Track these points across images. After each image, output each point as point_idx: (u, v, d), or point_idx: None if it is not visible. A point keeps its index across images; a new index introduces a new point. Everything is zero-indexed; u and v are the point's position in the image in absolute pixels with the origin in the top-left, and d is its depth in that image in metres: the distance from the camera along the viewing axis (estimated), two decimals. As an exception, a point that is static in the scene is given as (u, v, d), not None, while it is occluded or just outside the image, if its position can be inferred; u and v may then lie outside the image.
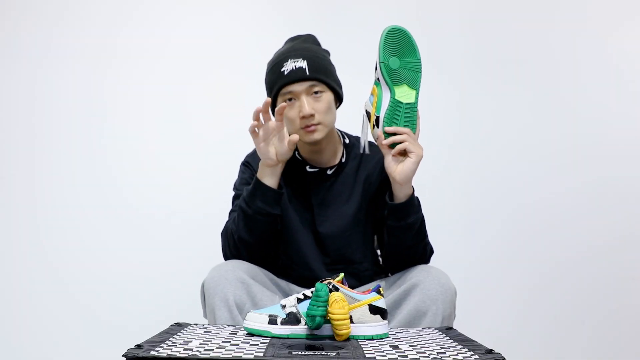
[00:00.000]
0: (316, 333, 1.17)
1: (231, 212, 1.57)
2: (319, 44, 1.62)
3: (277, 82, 1.50)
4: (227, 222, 1.54)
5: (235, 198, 1.59)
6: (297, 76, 1.47)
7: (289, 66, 1.48)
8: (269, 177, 1.47)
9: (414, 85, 1.40)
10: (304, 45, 1.55)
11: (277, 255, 1.59)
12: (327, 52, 1.60)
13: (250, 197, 1.46)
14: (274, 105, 1.54)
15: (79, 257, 2.32)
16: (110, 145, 2.37)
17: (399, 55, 1.40)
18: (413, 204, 1.45)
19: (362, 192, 1.58)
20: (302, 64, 1.48)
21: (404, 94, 1.40)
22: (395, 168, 1.41)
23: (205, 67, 2.39)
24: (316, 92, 1.49)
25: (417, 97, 1.41)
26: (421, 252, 1.50)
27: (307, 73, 1.48)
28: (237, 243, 1.48)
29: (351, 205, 1.57)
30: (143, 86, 2.38)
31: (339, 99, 1.58)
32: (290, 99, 1.49)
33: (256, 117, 1.41)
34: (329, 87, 1.52)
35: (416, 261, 1.49)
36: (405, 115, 1.40)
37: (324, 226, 1.56)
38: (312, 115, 1.48)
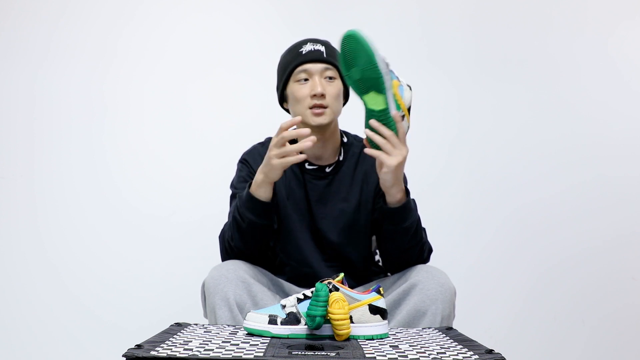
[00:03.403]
0: (316, 333, 1.17)
1: (230, 212, 1.57)
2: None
3: (293, 61, 1.54)
4: (225, 224, 1.54)
5: (232, 197, 1.59)
6: (315, 56, 1.52)
7: (307, 48, 1.54)
8: (266, 191, 1.45)
9: (381, 89, 1.34)
10: (322, 39, 1.61)
11: (274, 253, 1.59)
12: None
13: (243, 209, 1.45)
14: (284, 89, 1.57)
15: (79, 257, 2.32)
16: (110, 145, 2.37)
17: (356, 64, 1.35)
18: (408, 208, 1.44)
19: (360, 190, 1.58)
20: (321, 48, 1.55)
21: (374, 101, 1.36)
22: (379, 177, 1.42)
23: (205, 67, 2.39)
24: (330, 77, 1.53)
25: (386, 102, 1.35)
26: (418, 253, 1.49)
27: (324, 56, 1.53)
28: (234, 250, 1.48)
29: (349, 204, 1.58)
30: (143, 86, 2.38)
31: (346, 95, 1.60)
32: (304, 80, 1.52)
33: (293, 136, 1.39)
34: (341, 77, 1.55)
35: (414, 261, 1.49)
36: (380, 122, 1.37)
37: (323, 224, 1.57)
38: (323, 95, 1.50)
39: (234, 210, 1.48)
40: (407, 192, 1.46)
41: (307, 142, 1.35)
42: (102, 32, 2.38)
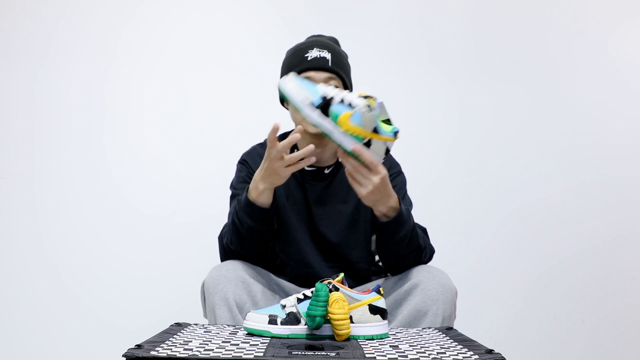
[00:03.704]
0: (316, 333, 1.17)
1: (230, 214, 1.57)
2: (340, 46, 1.65)
3: (298, 66, 1.53)
4: (225, 225, 1.54)
5: (232, 198, 1.59)
6: (320, 65, 1.51)
7: (313, 54, 1.52)
8: (268, 197, 1.43)
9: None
10: (329, 42, 1.59)
11: (274, 254, 1.60)
12: (347, 55, 1.63)
13: (242, 214, 1.44)
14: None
15: (79, 257, 2.32)
16: (110, 145, 2.37)
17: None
18: (399, 221, 1.42)
19: None
20: (327, 55, 1.53)
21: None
22: None
23: (205, 67, 2.39)
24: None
25: (327, 137, 1.31)
26: (416, 257, 1.48)
27: (330, 64, 1.52)
28: (233, 252, 1.48)
29: (348, 205, 1.58)
30: (143, 86, 2.38)
31: None
32: None
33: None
34: (344, 85, 1.56)
35: (413, 264, 1.48)
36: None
37: (322, 225, 1.57)
38: None
39: (233, 215, 1.47)
40: (399, 202, 1.43)
41: (309, 148, 1.34)
42: (102, 32, 2.38)
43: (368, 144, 1.30)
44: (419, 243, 1.48)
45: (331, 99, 1.29)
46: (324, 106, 1.29)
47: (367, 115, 1.28)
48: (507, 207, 2.38)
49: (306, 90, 1.30)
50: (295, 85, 1.30)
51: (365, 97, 1.29)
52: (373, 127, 1.30)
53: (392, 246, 1.45)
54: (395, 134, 1.32)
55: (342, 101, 1.29)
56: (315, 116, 1.29)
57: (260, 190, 1.42)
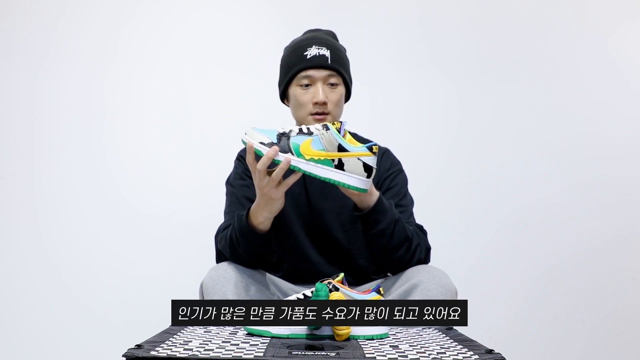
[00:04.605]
0: (316, 333, 1.17)
1: (225, 213, 1.57)
2: (338, 40, 1.65)
3: (297, 64, 1.53)
4: (221, 226, 1.54)
5: (229, 194, 1.59)
6: (319, 62, 1.51)
7: (312, 52, 1.52)
8: (266, 225, 1.40)
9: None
10: (327, 37, 1.59)
11: (271, 252, 1.59)
12: (345, 49, 1.63)
13: (240, 236, 1.41)
14: (286, 89, 1.58)
15: (79, 257, 2.32)
16: (110, 145, 2.37)
17: None
18: (381, 209, 1.41)
19: None
20: (326, 52, 1.52)
21: None
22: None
23: (205, 67, 2.39)
24: (332, 84, 1.53)
25: (297, 170, 1.27)
26: (407, 252, 1.46)
27: (329, 62, 1.52)
28: (227, 259, 1.48)
29: (349, 200, 1.57)
30: (143, 86, 2.38)
31: (347, 96, 1.61)
32: (306, 85, 1.52)
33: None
34: (344, 81, 1.56)
35: (407, 260, 1.46)
36: None
37: (324, 219, 1.56)
38: (324, 103, 1.50)
39: (231, 231, 1.45)
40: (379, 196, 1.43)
41: (286, 159, 1.26)
42: (102, 32, 2.38)
43: (340, 166, 1.27)
44: (405, 234, 1.45)
45: (290, 131, 1.28)
46: (284, 142, 1.26)
47: (325, 136, 1.26)
48: (507, 207, 2.38)
49: (263, 134, 1.28)
50: (256, 133, 1.28)
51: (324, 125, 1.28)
52: (337, 146, 1.26)
53: (377, 238, 1.43)
54: (371, 147, 1.27)
55: (300, 131, 1.27)
56: (278, 154, 1.25)
57: (260, 221, 1.39)
